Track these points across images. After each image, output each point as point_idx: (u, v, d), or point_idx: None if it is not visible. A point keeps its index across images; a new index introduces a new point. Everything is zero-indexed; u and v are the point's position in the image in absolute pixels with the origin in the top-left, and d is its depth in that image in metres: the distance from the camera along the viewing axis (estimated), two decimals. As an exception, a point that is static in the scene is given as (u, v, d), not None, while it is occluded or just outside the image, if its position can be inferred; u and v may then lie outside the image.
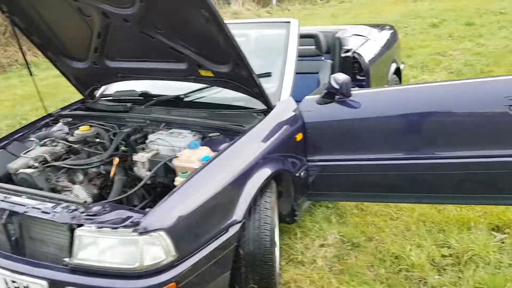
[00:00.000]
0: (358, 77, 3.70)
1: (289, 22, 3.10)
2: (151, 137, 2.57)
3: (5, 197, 2.16)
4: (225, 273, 2.19)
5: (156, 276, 1.88)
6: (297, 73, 3.55)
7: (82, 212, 1.96)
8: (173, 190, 2.04)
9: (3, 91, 7.59)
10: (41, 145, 2.65)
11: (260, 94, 2.55)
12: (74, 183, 2.48)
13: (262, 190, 2.38)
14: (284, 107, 2.70)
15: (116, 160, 2.46)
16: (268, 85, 2.81)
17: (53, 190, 2.37)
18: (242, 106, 2.72)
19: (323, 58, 3.68)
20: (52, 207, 2.03)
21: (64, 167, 2.43)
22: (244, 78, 2.46)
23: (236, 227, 2.17)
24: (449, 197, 2.73)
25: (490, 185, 2.61)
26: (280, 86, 2.79)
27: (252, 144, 2.40)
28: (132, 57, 2.76)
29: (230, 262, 2.20)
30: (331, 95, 2.67)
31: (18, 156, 2.56)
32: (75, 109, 3.12)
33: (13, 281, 2.01)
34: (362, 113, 2.67)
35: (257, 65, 2.98)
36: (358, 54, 3.69)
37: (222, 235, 2.11)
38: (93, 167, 2.50)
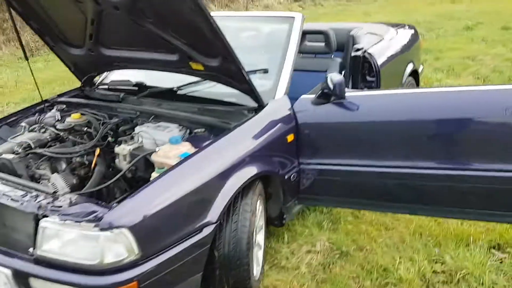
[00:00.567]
0: (368, 77, 3.55)
1: (293, 17, 2.97)
2: (137, 129, 2.52)
3: (-19, 181, 2.14)
4: (196, 275, 2.11)
5: (117, 274, 1.82)
6: (304, 70, 3.50)
7: (48, 203, 1.92)
8: (143, 186, 1.97)
9: (28, 75, 7.70)
10: (30, 131, 2.63)
11: (250, 91, 2.45)
12: (57, 171, 2.45)
13: (244, 192, 2.30)
14: (277, 106, 2.59)
15: (97, 151, 2.41)
16: (263, 82, 2.73)
17: (32, 177, 2.34)
18: (234, 103, 2.62)
19: (332, 55, 3.55)
20: (21, 195, 2.00)
21: (45, 155, 2.39)
22: (233, 73, 2.37)
23: (210, 228, 2.09)
24: (451, 211, 2.57)
25: (492, 201, 2.45)
26: (276, 84, 2.69)
27: (236, 143, 2.31)
28: (125, 46, 2.70)
29: (202, 264, 2.12)
30: (326, 95, 2.55)
31: (6, 141, 2.55)
32: (72, 96, 3.10)
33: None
34: (358, 117, 2.55)
35: (254, 60, 2.92)
36: (369, 53, 3.53)
37: (194, 235, 2.03)
38: (75, 156, 2.46)
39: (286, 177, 2.57)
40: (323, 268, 2.60)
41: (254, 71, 2.71)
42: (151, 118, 2.59)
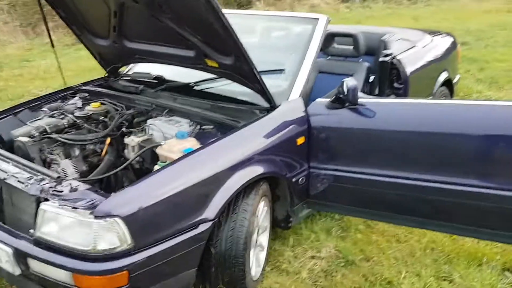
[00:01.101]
0: (396, 84, 3.46)
1: (317, 18, 2.93)
2: (149, 121, 2.56)
3: (-6, 162, 2.24)
4: (190, 270, 2.13)
5: (109, 262, 1.86)
6: (331, 73, 3.45)
7: (50, 187, 1.98)
8: (141, 178, 2.00)
9: (71, 62, 7.99)
10: (49, 116, 2.72)
11: (262, 91, 2.44)
12: (69, 157, 2.52)
13: (246, 191, 2.29)
14: (290, 107, 2.56)
15: (108, 140, 2.46)
16: (279, 82, 2.71)
17: (44, 161, 2.42)
18: (247, 102, 2.61)
19: (361, 59, 3.48)
20: (27, 177, 2.07)
21: (59, 141, 2.47)
22: (245, 72, 2.37)
23: (207, 225, 2.09)
24: (467, 229, 2.45)
25: (507, 222, 2.33)
26: (291, 85, 2.66)
27: (241, 142, 2.30)
28: (146, 39, 2.76)
29: (196, 260, 2.13)
30: (340, 100, 2.50)
31: (25, 124, 2.65)
32: (95, 86, 3.18)
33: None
34: (371, 124, 2.48)
35: (274, 60, 2.90)
36: (398, 60, 3.44)
37: (189, 231, 2.05)
38: (87, 144, 2.53)
39: (293, 180, 2.54)
40: (325, 275, 2.55)
41: (270, 71, 2.69)
42: (165, 112, 2.63)
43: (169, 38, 2.57)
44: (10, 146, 2.58)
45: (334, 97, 2.53)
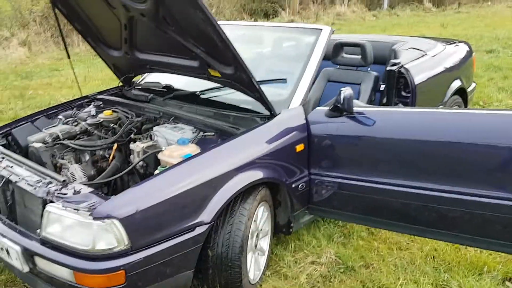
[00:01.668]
0: (403, 93, 3.48)
1: (320, 29, 3.00)
2: (155, 128, 2.68)
3: (8, 165, 2.39)
4: (187, 271, 2.22)
5: (107, 261, 1.97)
6: (340, 82, 3.51)
7: (56, 190, 2.11)
8: (140, 182, 2.11)
9: (99, 71, 8.27)
10: (64, 123, 2.88)
11: (261, 99, 2.52)
12: (80, 162, 2.67)
13: (244, 196, 2.37)
14: (290, 116, 2.63)
15: (115, 146, 2.59)
16: (280, 91, 2.79)
17: (55, 166, 2.57)
18: (249, 109, 2.70)
19: (369, 69, 3.52)
20: (36, 181, 2.21)
21: (70, 146, 2.61)
22: (245, 81, 2.46)
23: (203, 228, 2.18)
24: (472, 239, 2.44)
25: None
26: (292, 94, 2.74)
27: (239, 148, 2.38)
28: (155, 51, 2.89)
29: (193, 262, 2.22)
30: (337, 109, 2.56)
31: (41, 130, 2.81)
32: (110, 94, 3.34)
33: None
34: (368, 132, 2.52)
35: (277, 69, 2.99)
36: (406, 69, 3.46)
37: (185, 233, 2.14)
38: (97, 150, 2.66)
39: (293, 185, 2.60)
40: (324, 280, 2.60)
41: (272, 81, 2.78)
42: (171, 119, 2.74)
43: (175, 49, 2.69)
44: (26, 151, 2.75)
45: (332, 105, 2.59)
